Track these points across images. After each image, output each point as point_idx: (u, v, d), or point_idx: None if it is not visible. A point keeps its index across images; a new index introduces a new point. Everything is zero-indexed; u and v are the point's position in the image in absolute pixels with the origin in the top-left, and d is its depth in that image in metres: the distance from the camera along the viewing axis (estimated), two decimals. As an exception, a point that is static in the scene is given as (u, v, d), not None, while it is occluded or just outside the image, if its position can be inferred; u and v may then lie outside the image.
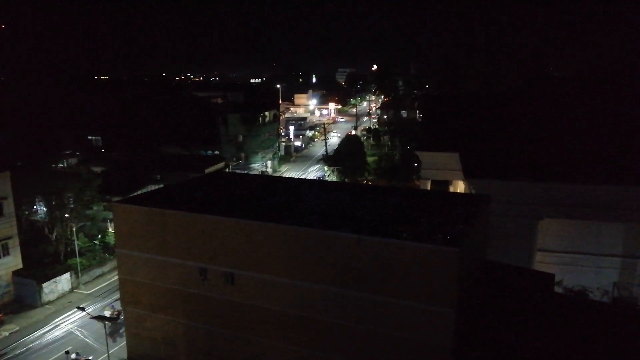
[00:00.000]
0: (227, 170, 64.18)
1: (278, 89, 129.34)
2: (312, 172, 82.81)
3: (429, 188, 39.90)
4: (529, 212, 29.97)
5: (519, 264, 26.49)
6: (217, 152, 74.03)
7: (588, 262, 31.06)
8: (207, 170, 53.95)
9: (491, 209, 25.77)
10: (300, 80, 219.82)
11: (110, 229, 48.86)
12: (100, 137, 76.85)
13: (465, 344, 18.89)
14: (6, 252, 39.87)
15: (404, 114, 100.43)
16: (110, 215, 43.07)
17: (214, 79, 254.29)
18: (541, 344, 19.17)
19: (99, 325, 30.11)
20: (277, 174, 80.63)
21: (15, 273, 40.77)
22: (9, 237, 39.97)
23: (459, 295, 18.26)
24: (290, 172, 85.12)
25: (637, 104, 36.10)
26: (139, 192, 43.93)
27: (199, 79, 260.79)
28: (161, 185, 45.30)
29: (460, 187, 39.97)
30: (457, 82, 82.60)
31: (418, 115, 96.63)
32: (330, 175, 68.60)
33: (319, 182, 39.74)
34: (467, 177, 32.56)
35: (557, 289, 26.18)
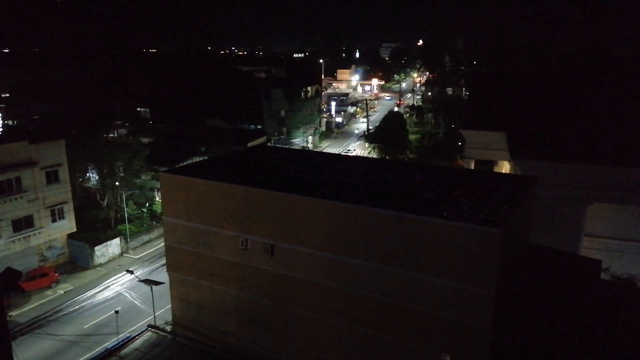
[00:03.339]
0: (269, 144, 64.94)
1: (321, 64, 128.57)
2: (353, 149, 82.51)
3: (472, 168, 39.01)
4: (578, 195, 28.86)
5: (565, 248, 25.70)
6: (259, 127, 74.94)
7: (639, 249, 29.73)
8: (249, 144, 54.79)
9: (538, 191, 25.00)
10: (344, 55, 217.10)
11: (157, 198, 50.82)
12: (148, 109, 79.22)
13: (504, 326, 18.70)
14: (61, 216, 42.32)
15: (449, 91, 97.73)
16: (158, 184, 44.77)
17: (258, 53, 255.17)
18: (583, 329, 18.73)
19: (146, 288, 31.65)
20: (318, 150, 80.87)
21: (70, 236, 43.30)
22: (64, 202, 42.33)
23: (499, 277, 18.00)
24: (330, 148, 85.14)
25: None
26: (185, 163, 45.30)
27: (243, 52, 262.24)
28: (206, 157, 46.46)
29: (505, 167, 38.87)
30: (507, 59, 79.33)
31: (464, 92, 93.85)
32: (371, 152, 68.15)
33: (359, 158, 39.64)
34: (513, 158, 31.61)
35: (604, 276, 25.29)
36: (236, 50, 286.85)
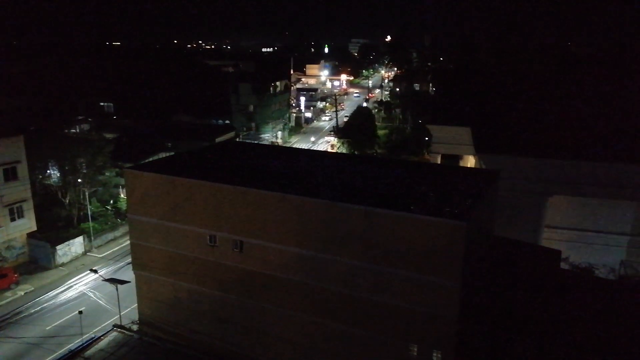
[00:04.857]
0: (237, 139, 64.35)
1: (289, 58, 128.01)
2: (322, 144, 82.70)
3: (439, 162, 39.73)
4: (538, 188, 29.84)
5: (527, 240, 26.55)
6: (227, 122, 74.08)
7: (596, 239, 31.04)
8: (217, 140, 54.16)
9: (501, 185, 25.68)
10: (312, 50, 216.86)
11: (122, 195, 49.61)
12: (112, 104, 77.08)
13: (470, 317, 19.19)
14: (21, 214, 40.77)
15: (416, 87, 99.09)
16: (122, 181, 43.72)
17: (226, 47, 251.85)
18: (545, 317, 19.43)
19: (111, 287, 30.92)
20: (287, 145, 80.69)
21: (30, 235, 41.77)
22: (24, 200, 40.78)
23: (465, 269, 18.43)
24: (300, 143, 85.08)
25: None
26: (151, 159, 44.36)
27: (211, 47, 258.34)
28: (172, 153, 45.63)
29: (470, 162, 39.74)
30: (473, 56, 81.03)
31: (431, 88, 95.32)
32: (340, 147, 68.49)
33: (328, 154, 39.81)
34: (478, 152, 32.39)
35: (563, 265, 26.29)
36: (203, 44, 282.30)
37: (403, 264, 19.08)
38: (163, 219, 24.43)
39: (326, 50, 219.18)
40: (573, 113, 33.86)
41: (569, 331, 18.89)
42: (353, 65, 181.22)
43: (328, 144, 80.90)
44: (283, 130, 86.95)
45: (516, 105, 36.28)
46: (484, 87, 40.13)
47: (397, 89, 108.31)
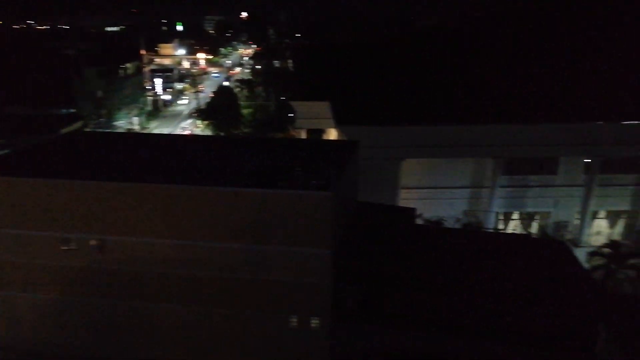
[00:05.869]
0: (86, 129, 58.74)
1: (139, 38, 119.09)
2: (185, 127, 79.46)
3: (304, 137, 40.88)
4: (393, 154, 32.62)
5: (386, 201, 28.92)
6: (73, 110, 66.92)
7: (443, 195, 35.24)
8: (63, 131, 48.86)
9: (360, 154, 27.38)
10: (165, 28, 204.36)
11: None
12: None
13: (342, 281, 20.40)
14: None
15: (276, 63, 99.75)
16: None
17: (63, 28, 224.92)
18: (406, 270, 21.48)
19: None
20: (146, 132, 75.90)
21: None
22: None
23: (334, 237, 19.46)
24: (160, 128, 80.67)
25: (493, 51, 40.27)
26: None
27: (45, 27, 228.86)
28: (7, 151, 39.94)
29: (333, 134, 41.61)
30: (328, 31, 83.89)
31: (290, 64, 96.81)
32: (204, 129, 66.53)
33: (191, 137, 38.41)
34: (337, 125, 34.01)
35: (419, 221, 29.24)
36: (35, 25, 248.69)
37: (277, 239, 19.44)
38: (5, 227, 21.46)
39: (180, 28, 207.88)
40: (420, 82, 37.20)
41: (426, 279, 21.16)
42: (210, 43, 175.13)
43: (190, 126, 78.03)
44: (139, 115, 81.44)
45: (370, 78, 38.67)
46: (341, 62, 41.93)
47: (258, 67, 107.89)
